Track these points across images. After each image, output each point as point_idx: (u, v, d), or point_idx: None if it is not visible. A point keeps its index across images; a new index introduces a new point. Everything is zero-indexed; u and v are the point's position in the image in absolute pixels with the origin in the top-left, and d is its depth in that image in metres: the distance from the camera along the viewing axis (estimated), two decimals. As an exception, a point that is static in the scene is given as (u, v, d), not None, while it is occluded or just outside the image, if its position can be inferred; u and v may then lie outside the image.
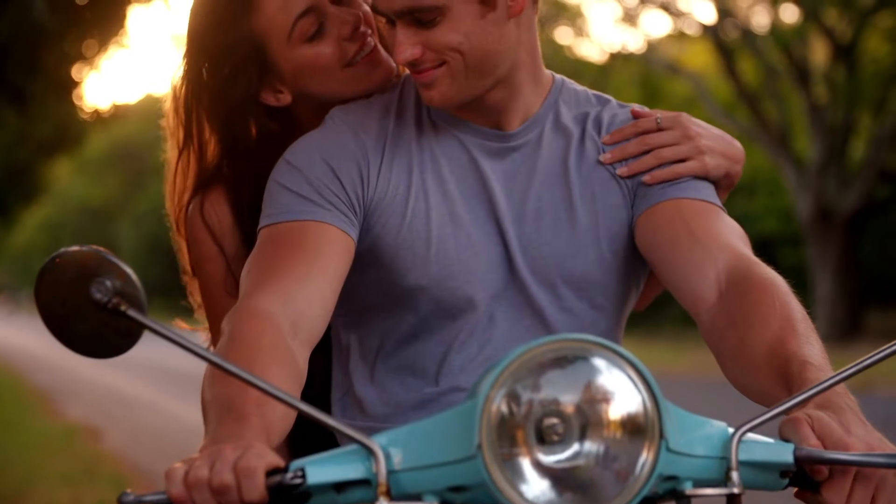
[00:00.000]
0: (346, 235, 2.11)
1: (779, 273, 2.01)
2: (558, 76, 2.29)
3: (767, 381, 1.86)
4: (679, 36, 25.70)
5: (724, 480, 1.59)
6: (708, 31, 23.30)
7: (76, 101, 13.44)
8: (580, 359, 1.52)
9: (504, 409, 1.50)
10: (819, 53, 23.68)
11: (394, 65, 2.30)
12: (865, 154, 22.05)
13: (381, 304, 2.20)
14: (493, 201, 2.18)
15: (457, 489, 1.56)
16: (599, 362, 1.52)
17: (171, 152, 2.44)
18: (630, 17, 25.09)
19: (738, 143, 2.30)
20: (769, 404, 1.79)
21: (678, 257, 2.09)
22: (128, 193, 47.87)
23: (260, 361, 1.84)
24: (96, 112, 14.31)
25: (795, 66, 22.43)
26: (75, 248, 1.62)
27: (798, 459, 1.62)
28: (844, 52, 22.19)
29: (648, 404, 1.52)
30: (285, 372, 1.87)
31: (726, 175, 2.25)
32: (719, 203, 2.20)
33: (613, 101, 2.31)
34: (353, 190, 2.15)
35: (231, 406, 1.76)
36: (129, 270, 1.60)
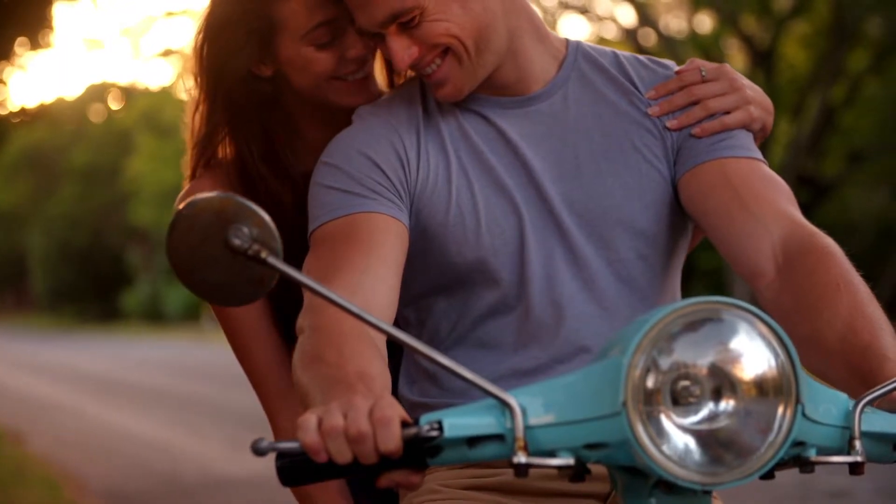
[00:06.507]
0: (397, 221, 2.11)
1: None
2: (573, 39, 2.30)
3: (841, 371, 1.87)
4: (598, 41, 25.90)
5: (847, 449, 1.59)
6: (627, 35, 23.49)
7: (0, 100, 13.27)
8: (712, 320, 1.52)
9: (643, 374, 1.49)
10: (737, 59, 23.94)
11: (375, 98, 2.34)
12: (784, 159, 22.31)
13: (444, 287, 2.18)
14: (528, 165, 2.18)
15: (593, 446, 1.54)
16: (734, 323, 1.52)
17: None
18: (549, 22, 25.24)
19: (767, 96, 2.31)
20: (844, 390, 1.78)
21: (731, 227, 2.09)
22: (38, 198, 47.21)
23: (349, 344, 1.82)
24: (21, 112, 14.14)
25: (714, 72, 22.65)
26: (210, 194, 1.56)
27: None
28: (762, 58, 22.46)
29: (786, 366, 1.51)
30: (374, 352, 1.85)
31: (762, 127, 2.26)
32: (762, 157, 2.20)
33: (644, 57, 2.30)
34: (395, 176, 2.15)
35: (336, 380, 1.74)
36: (266, 217, 1.56)
